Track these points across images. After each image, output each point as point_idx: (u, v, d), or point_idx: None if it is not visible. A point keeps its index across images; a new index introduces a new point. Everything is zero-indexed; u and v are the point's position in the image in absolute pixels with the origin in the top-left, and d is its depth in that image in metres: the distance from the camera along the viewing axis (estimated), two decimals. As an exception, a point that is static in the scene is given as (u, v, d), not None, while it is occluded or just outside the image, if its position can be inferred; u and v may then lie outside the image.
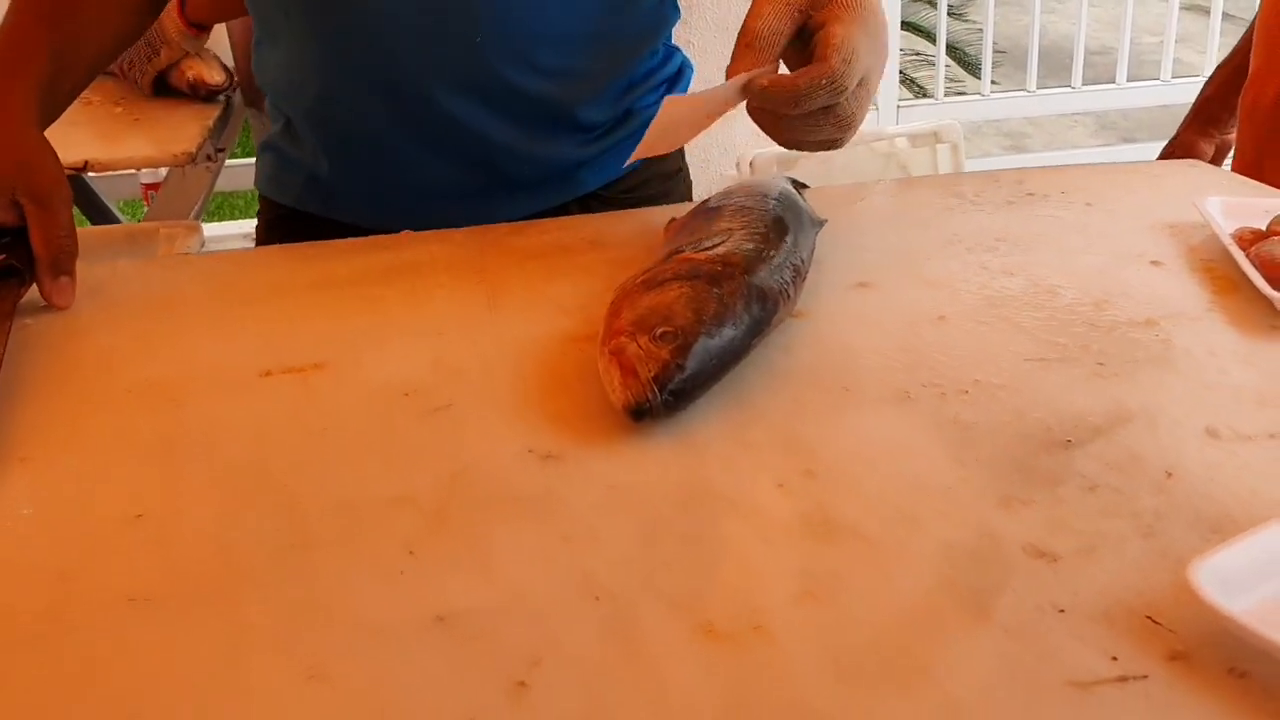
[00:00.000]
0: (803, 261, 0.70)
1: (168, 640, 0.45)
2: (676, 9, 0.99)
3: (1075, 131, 4.55)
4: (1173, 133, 1.43)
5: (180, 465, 0.57)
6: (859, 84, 0.68)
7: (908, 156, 2.58)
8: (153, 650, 0.44)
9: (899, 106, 2.97)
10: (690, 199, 1.06)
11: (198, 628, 0.45)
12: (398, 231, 0.88)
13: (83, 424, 0.62)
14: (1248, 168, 1.22)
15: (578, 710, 0.40)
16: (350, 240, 0.87)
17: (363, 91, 0.87)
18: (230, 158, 1.94)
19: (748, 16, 0.70)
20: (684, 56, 1.03)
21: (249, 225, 3.13)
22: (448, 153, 0.88)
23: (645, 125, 0.95)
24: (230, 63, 1.69)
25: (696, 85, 1.00)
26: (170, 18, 1.60)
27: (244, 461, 0.57)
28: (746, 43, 0.69)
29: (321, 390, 0.64)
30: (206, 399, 0.63)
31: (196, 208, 1.68)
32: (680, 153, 1.05)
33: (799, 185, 0.86)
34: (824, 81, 0.66)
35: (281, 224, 0.97)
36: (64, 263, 0.75)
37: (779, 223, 0.72)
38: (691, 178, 1.08)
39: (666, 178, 1.02)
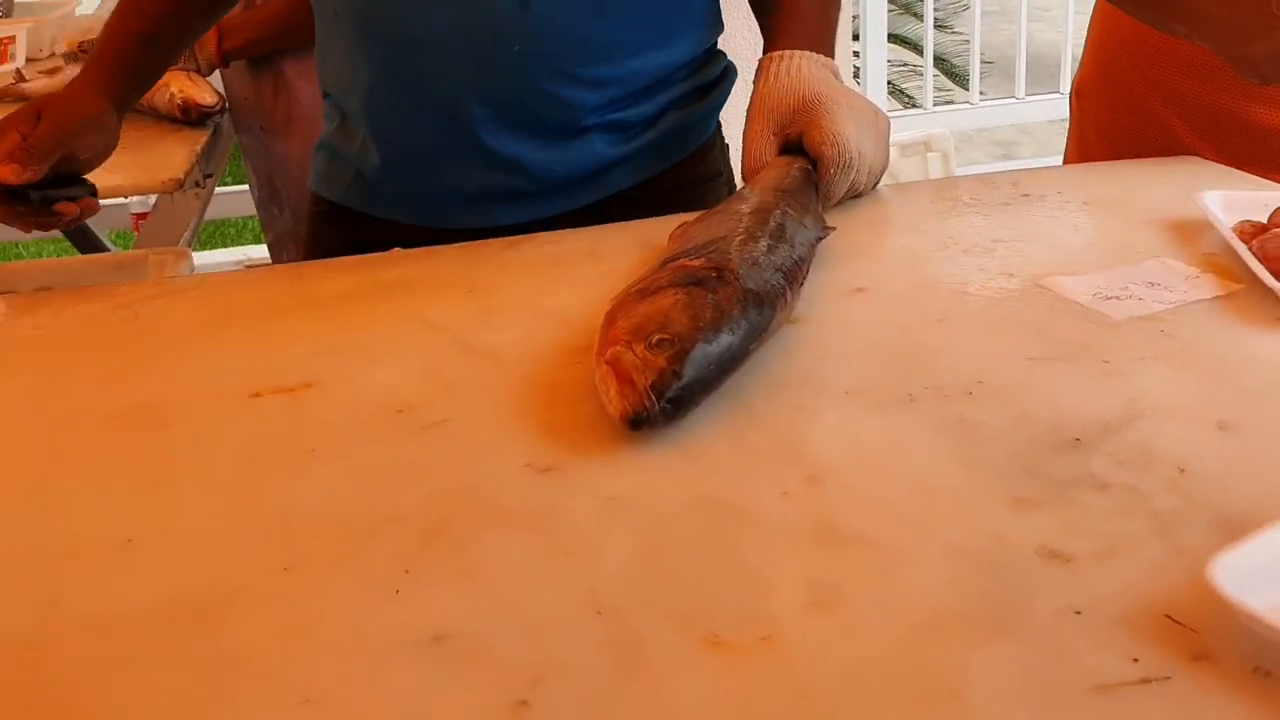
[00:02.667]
0: (798, 265, 0.69)
1: (154, 668, 0.43)
2: (720, 23, 0.99)
3: (1065, 138, 4.55)
4: None
5: (169, 489, 0.56)
6: (859, 156, 0.83)
7: (899, 166, 2.58)
8: (138, 678, 0.43)
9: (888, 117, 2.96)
10: None
11: (185, 654, 0.44)
12: (437, 229, 0.91)
13: (69, 447, 0.60)
14: (1074, 146, 1.21)
15: (582, 729, 0.39)
16: (341, 259, 0.86)
17: (404, 99, 0.89)
18: (220, 185, 1.93)
19: (742, 154, 0.86)
20: (729, 61, 1.01)
21: (240, 253, 3.13)
22: (482, 161, 0.90)
23: (683, 126, 0.95)
24: (220, 85, 1.68)
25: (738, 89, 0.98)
26: (203, 45, 1.61)
27: (234, 484, 0.56)
28: (745, 177, 0.85)
29: (312, 409, 0.62)
30: (195, 421, 0.62)
31: (187, 235, 1.66)
32: (725, 155, 1.03)
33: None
34: (832, 171, 0.82)
35: (329, 217, 0.99)
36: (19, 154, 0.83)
37: (775, 228, 0.71)
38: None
39: (707, 179, 1.00)
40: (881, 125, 0.88)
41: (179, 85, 1.59)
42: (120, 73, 0.94)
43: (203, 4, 0.99)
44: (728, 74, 1.00)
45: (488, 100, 0.87)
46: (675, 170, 0.96)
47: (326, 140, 0.99)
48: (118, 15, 0.96)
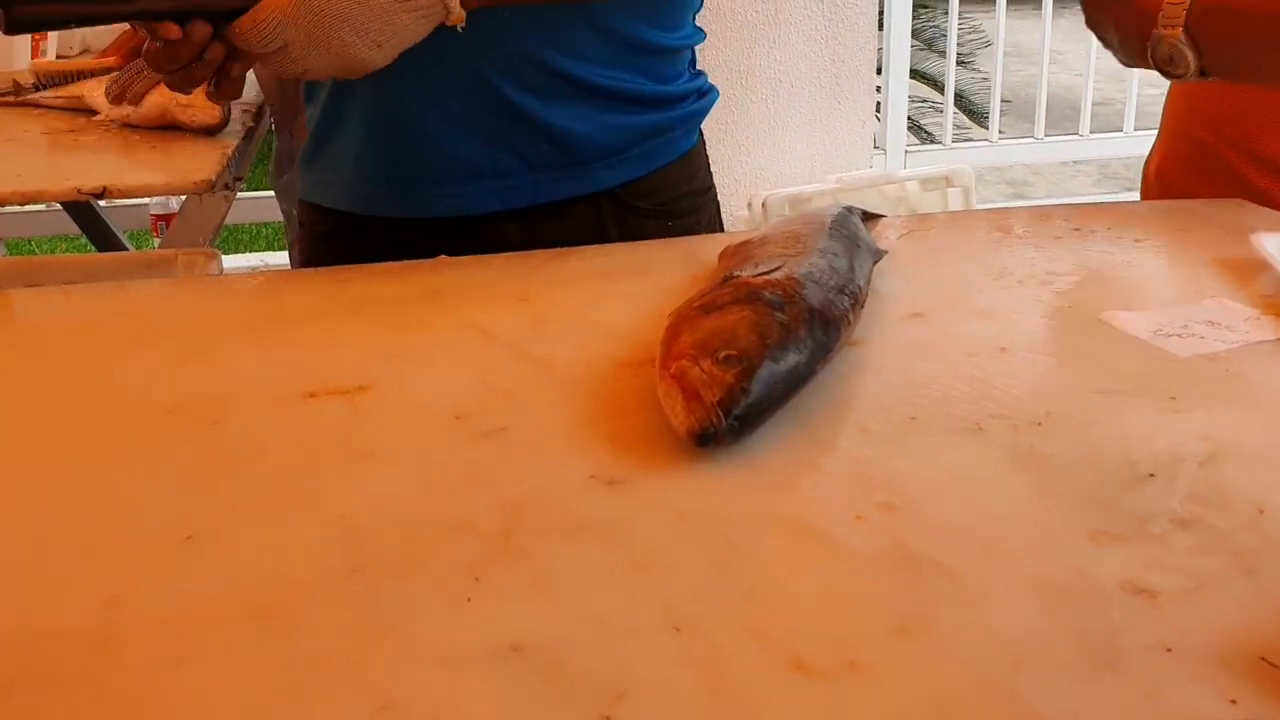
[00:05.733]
0: (860, 288, 0.68)
1: (225, 665, 0.42)
2: (701, 31, 1.02)
3: (1078, 180, 4.58)
4: None
5: (226, 486, 0.55)
6: None
7: (918, 200, 2.58)
8: (209, 676, 0.41)
9: (907, 152, 2.98)
10: (720, 219, 1.06)
11: (256, 654, 0.42)
12: (426, 220, 0.92)
13: (122, 442, 0.59)
14: None
15: (670, 748, 0.38)
16: (387, 264, 0.85)
17: (408, 72, 0.87)
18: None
19: None
20: (708, 82, 1.04)
21: (258, 259, 3.11)
22: (480, 128, 0.90)
23: (666, 127, 0.97)
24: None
25: (716, 115, 1.02)
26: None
27: (292, 483, 0.55)
28: None
29: (368, 412, 0.61)
30: (249, 420, 0.61)
31: (211, 237, 1.66)
32: (709, 169, 1.06)
33: (869, 216, 0.85)
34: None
35: (329, 235, 1.00)
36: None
37: (834, 250, 0.70)
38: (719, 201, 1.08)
39: (697, 194, 1.03)
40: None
41: (186, 116, 1.57)
42: None
43: None
44: (709, 93, 1.02)
45: (492, 62, 0.87)
46: (665, 180, 0.97)
47: (310, 154, 0.99)
48: None
